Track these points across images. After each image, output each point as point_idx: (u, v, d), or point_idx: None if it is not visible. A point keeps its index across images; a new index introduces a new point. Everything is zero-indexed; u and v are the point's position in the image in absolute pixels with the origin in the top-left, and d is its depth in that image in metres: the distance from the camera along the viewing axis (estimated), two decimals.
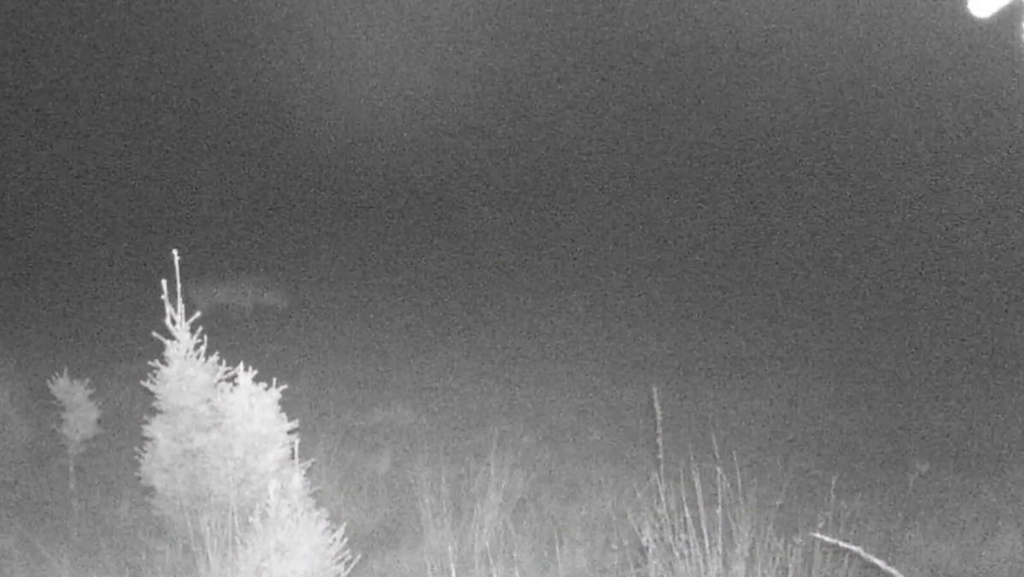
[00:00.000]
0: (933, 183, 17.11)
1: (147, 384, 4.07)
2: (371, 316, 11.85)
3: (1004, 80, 15.15)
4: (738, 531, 3.45)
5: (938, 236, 15.68)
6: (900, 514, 4.94)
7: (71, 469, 4.97)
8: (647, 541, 3.28)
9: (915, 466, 5.47)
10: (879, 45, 18.30)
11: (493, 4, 20.17)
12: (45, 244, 15.90)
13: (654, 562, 3.32)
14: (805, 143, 19.51)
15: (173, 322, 4.03)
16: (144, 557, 4.05)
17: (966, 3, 1.77)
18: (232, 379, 3.91)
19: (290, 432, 3.95)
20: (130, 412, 5.63)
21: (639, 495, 3.95)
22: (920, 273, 14.20)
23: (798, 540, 3.44)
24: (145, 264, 13.05)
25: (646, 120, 21.39)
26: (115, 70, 20.51)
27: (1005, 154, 16.15)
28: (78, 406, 4.92)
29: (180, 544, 3.92)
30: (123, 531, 4.45)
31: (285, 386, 3.94)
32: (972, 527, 4.72)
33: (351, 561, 3.34)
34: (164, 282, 3.98)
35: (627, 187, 19.86)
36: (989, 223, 15.34)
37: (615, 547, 4.12)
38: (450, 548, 3.98)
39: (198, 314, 4.07)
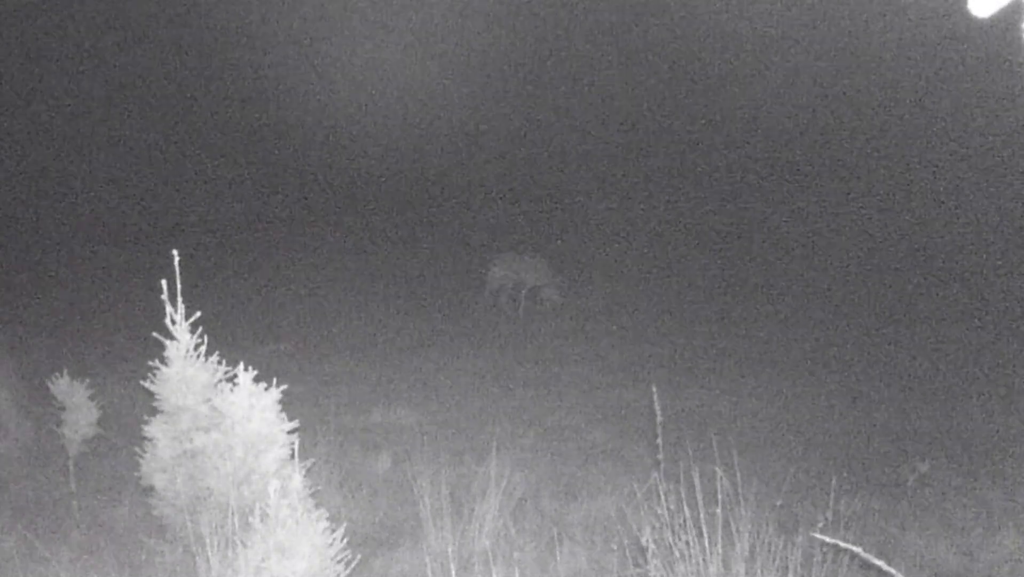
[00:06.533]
0: (933, 183, 17.12)
1: (147, 384, 4.07)
2: (369, 315, 11.84)
3: (1004, 80, 15.15)
4: (738, 531, 3.45)
5: (938, 235, 15.68)
6: (900, 514, 4.94)
7: (71, 469, 4.97)
8: (647, 541, 3.29)
9: (915, 466, 5.46)
10: (879, 45, 18.30)
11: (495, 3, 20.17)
12: (45, 243, 15.89)
13: (654, 562, 3.33)
14: (805, 143, 19.52)
15: (173, 322, 4.03)
16: (144, 557, 4.05)
17: (966, 3, 1.77)
18: (232, 379, 3.92)
19: (290, 432, 3.95)
20: (130, 412, 5.62)
21: (639, 495, 3.95)
22: (920, 272, 14.20)
23: (798, 540, 3.44)
24: (150, 266, 13.04)
25: (645, 119, 21.40)
26: (120, 63, 20.47)
27: (1005, 154, 16.14)
28: (78, 406, 4.92)
29: (180, 544, 3.92)
30: (123, 531, 4.44)
31: (285, 386, 3.94)
32: (972, 527, 4.72)
33: (351, 561, 3.34)
34: (164, 282, 3.99)
35: (627, 186, 19.86)
36: (989, 222, 15.34)
37: (615, 547, 4.12)
38: (450, 548, 3.98)
39: (198, 314, 4.07)
